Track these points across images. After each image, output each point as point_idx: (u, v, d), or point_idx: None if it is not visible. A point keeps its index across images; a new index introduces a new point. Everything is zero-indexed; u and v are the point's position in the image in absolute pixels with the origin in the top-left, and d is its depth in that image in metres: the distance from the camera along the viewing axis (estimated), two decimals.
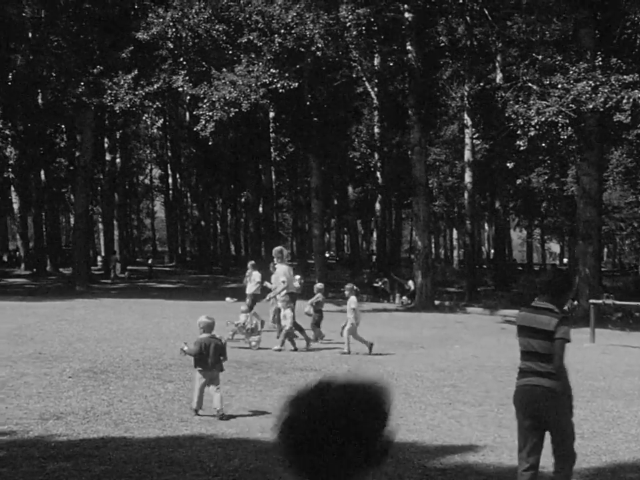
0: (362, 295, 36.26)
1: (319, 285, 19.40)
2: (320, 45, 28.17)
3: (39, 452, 7.99)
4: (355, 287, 17.28)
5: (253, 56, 29.28)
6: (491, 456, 8.58)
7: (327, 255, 62.17)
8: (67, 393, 11.06)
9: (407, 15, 30.57)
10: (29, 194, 51.89)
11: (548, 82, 24.74)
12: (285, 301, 16.98)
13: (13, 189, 52.96)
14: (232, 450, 8.39)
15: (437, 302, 32.09)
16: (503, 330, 23.88)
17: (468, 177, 36.55)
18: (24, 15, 37.77)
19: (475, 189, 38.11)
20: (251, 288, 20.27)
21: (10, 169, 51.49)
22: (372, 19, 28.35)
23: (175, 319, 22.82)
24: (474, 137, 37.25)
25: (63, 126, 50.73)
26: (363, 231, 72.92)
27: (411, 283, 34.49)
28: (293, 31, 28.04)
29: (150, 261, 52.65)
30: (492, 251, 59.51)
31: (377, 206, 44.79)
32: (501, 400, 11.76)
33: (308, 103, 35.99)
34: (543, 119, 23.94)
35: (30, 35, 38.76)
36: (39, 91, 43.95)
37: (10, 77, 38.13)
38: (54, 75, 35.16)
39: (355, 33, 28.32)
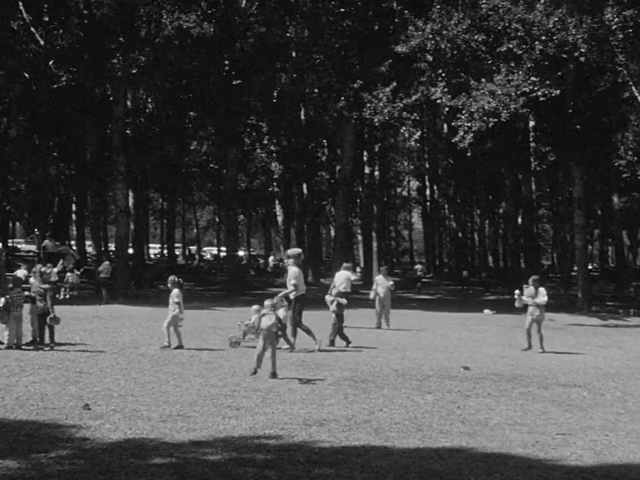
0: (629, 309, 34.61)
1: (341, 289, 20.27)
2: (583, 50, 27.35)
3: (304, 457, 8.18)
4: (177, 279, 17.24)
5: (513, 65, 28.84)
6: None
7: (590, 267, 59.96)
8: (328, 400, 11.29)
9: None
10: (292, 206, 53.98)
11: None
12: (281, 301, 16.95)
13: (277, 201, 55.36)
14: (493, 464, 8.20)
15: None
16: None
17: None
18: (288, 35, 39.40)
19: None
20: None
21: (275, 183, 53.93)
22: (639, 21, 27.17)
23: (434, 330, 22.84)
24: None
25: (324, 140, 52.50)
26: (629, 242, 69.77)
27: None
28: (554, 37, 27.40)
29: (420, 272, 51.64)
30: None
31: None
32: None
33: (570, 111, 34.92)
34: None
35: (293, 54, 40.38)
36: (302, 107, 45.71)
37: (275, 95, 39.90)
38: (316, 91, 36.35)
39: (621, 36, 27.28)
